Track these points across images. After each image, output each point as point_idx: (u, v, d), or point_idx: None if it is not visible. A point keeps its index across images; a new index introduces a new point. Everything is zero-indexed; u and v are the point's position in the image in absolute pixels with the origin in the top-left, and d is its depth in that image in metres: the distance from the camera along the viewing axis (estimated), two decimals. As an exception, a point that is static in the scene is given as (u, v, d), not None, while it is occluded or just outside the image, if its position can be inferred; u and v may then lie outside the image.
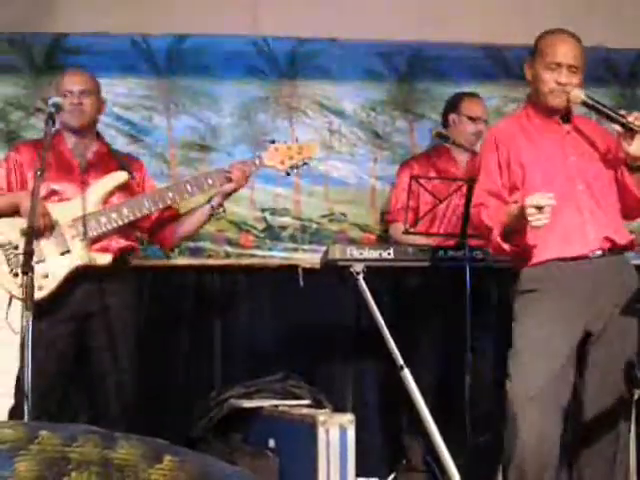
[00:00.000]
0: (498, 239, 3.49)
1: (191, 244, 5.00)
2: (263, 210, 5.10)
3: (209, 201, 4.01)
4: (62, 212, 3.84)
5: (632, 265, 3.68)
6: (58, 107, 3.68)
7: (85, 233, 3.82)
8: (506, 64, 5.28)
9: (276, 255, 5.10)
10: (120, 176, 3.95)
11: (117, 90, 5.00)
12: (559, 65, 3.51)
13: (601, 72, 5.15)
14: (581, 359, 3.54)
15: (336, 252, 4.32)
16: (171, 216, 4.08)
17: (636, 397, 4.23)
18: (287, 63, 5.16)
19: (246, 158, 4.06)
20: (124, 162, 4.03)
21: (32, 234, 3.29)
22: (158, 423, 4.40)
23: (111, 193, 3.93)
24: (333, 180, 5.19)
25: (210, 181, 3.91)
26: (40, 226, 3.67)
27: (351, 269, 4.30)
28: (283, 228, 5.12)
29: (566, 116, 3.63)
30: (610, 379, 3.52)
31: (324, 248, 4.52)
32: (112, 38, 4.97)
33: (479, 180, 3.68)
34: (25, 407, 3.07)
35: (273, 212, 5.11)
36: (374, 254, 4.33)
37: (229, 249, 5.07)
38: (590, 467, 3.56)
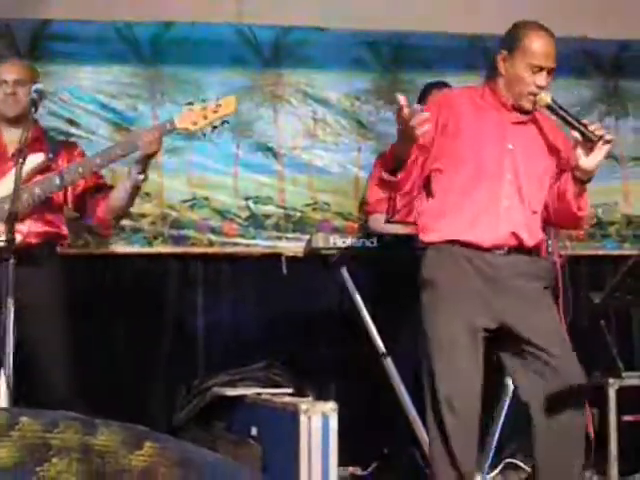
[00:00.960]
0: (384, 175, 3.37)
1: (174, 232, 5.01)
2: (247, 198, 5.10)
3: (129, 173, 3.86)
4: None
5: (547, 263, 3.60)
6: (41, 93, 3.66)
7: None
8: (490, 55, 5.27)
9: (260, 243, 5.11)
10: (34, 159, 3.84)
11: (102, 78, 5.01)
12: (541, 69, 3.42)
13: (582, 63, 5.15)
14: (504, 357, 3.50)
15: (319, 241, 4.35)
16: (96, 186, 3.96)
17: (616, 387, 4.29)
18: (272, 52, 5.16)
19: (161, 122, 3.84)
20: (53, 147, 3.97)
21: (14, 220, 3.28)
22: (140, 411, 4.40)
23: (27, 177, 3.80)
24: (317, 169, 5.19)
25: (119, 151, 3.77)
26: None
27: (334, 258, 4.34)
28: (267, 216, 5.12)
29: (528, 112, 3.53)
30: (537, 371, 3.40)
31: (307, 237, 4.55)
32: (97, 25, 4.97)
33: None
34: (6, 393, 3.07)
35: (257, 200, 5.11)
36: (357, 243, 4.37)
37: (213, 237, 5.07)
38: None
